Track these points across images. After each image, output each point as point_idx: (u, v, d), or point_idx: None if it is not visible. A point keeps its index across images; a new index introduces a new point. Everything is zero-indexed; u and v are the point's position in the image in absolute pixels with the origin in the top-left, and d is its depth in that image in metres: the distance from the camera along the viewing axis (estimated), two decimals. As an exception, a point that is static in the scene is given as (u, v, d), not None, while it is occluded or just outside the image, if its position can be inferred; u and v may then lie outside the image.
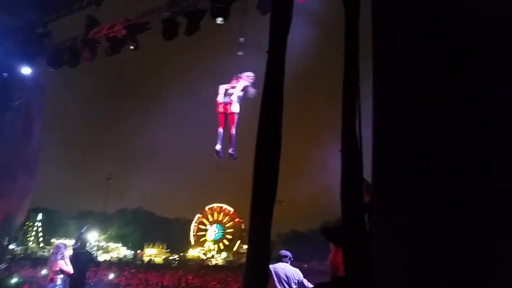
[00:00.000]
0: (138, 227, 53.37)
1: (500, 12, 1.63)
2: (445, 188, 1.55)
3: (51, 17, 9.73)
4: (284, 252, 5.76)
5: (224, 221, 56.79)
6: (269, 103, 2.73)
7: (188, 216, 58.89)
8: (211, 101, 7.08)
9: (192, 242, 56.17)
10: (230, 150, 6.87)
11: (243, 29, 7.47)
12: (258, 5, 7.52)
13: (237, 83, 6.99)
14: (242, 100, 6.93)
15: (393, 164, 1.78)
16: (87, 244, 9.55)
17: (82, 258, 8.19)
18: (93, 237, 39.44)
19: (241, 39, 7.26)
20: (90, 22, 9.38)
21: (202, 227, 56.87)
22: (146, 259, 47.96)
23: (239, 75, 7.04)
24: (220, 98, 6.90)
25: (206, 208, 57.91)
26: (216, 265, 44.16)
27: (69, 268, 7.52)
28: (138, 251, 53.46)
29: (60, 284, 7.47)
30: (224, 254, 53.83)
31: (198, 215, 57.71)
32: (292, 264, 5.69)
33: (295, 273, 5.50)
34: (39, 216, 48.62)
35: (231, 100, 6.81)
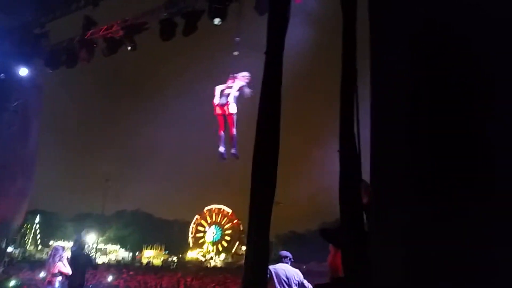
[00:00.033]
0: (137, 229, 53.26)
1: (496, 12, 1.64)
2: (444, 188, 1.55)
3: (48, 18, 9.72)
4: (284, 253, 5.75)
5: (222, 222, 56.79)
6: (267, 104, 2.72)
7: (186, 217, 59.03)
8: (208, 102, 7.04)
9: (191, 244, 56.15)
10: (233, 150, 6.87)
11: (240, 29, 7.47)
12: (255, 6, 7.54)
13: (232, 83, 6.94)
14: (239, 101, 6.90)
15: (392, 164, 1.78)
16: (86, 246, 9.54)
17: (80, 260, 8.17)
18: (91, 239, 39.43)
19: (237, 39, 7.26)
20: (87, 22, 9.38)
21: (201, 228, 56.87)
22: (144, 261, 47.90)
23: (234, 75, 7.00)
24: (217, 100, 6.88)
25: (205, 209, 57.94)
26: (214, 267, 44.12)
27: (68, 270, 7.49)
28: (137, 253, 53.44)
29: (58, 287, 7.45)
30: (222, 256, 53.81)
31: (196, 217, 57.73)
32: (292, 265, 5.69)
33: (296, 274, 5.49)
34: (37, 218, 48.46)
35: (228, 101, 6.79)
